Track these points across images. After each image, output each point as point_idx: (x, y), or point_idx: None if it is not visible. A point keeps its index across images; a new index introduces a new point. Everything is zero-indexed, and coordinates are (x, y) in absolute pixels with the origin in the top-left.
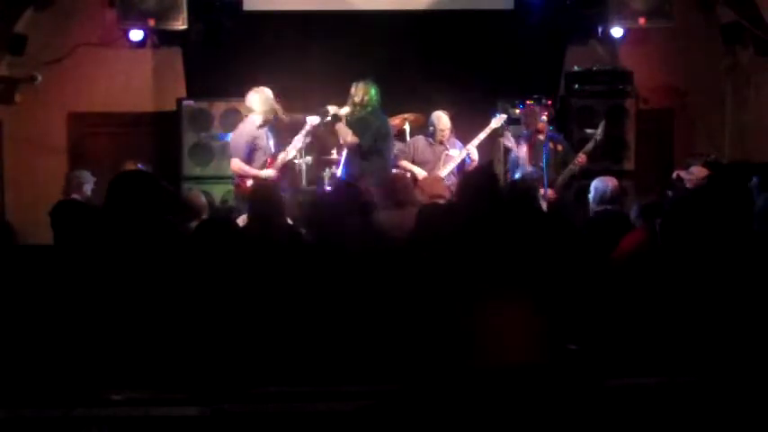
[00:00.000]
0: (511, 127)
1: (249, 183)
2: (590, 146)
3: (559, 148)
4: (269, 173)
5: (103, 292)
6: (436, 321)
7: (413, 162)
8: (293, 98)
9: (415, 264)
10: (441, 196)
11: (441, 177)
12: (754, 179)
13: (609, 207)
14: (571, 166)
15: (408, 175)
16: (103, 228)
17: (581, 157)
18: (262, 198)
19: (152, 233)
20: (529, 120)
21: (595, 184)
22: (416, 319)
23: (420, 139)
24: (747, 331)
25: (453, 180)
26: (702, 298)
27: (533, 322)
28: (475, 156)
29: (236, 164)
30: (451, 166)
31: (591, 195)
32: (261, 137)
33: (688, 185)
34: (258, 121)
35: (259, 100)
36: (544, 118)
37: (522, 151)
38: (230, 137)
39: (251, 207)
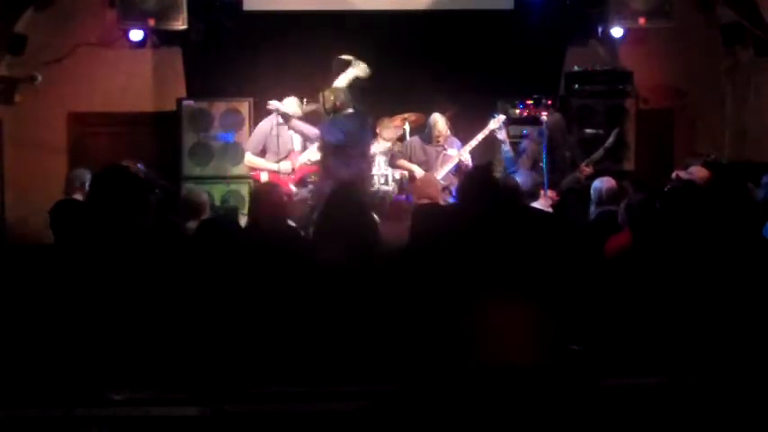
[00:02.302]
0: (512, 127)
1: (263, 176)
2: (599, 153)
3: (567, 153)
4: (285, 165)
5: (104, 291)
6: (436, 321)
7: (410, 162)
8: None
9: (416, 263)
10: (430, 197)
11: (432, 178)
12: (765, 177)
13: (609, 208)
14: (576, 174)
15: (407, 173)
16: (104, 227)
17: (584, 170)
18: (261, 198)
19: (154, 233)
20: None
21: (594, 185)
22: (416, 319)
23: (416, 140)
24: (746, 331)
25: (451, 180)
26: (700, 298)
27: (535, 322)
28: (468, 161)
29: (247, 157)
30: (449, 166)
31: (591, 196)
32: (274, 136)
33: None
34: (274, 120)
35: (292, 103)
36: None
37: (528, 150)
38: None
39: (251, 207)
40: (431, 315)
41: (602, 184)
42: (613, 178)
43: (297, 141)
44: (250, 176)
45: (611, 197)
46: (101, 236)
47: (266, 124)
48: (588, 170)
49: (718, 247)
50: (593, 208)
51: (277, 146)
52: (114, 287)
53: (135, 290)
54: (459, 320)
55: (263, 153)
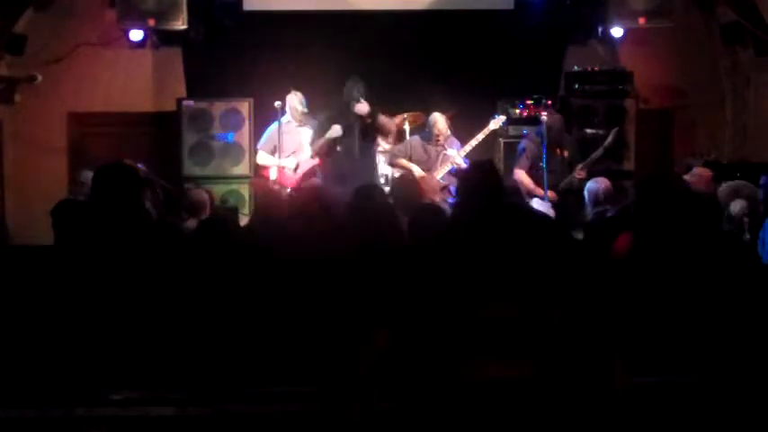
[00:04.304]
0: (512, 127)
1: (272, 173)
2: (598, 153)
3: (565, 153)
4: (290, 162)
5: (104, 291)
6: (438, 323)
7: (410, 161)
8: None
9: (416, 265)
10: (427, 198)
11: (430, 179)
12: (764, 178)
13: (606, 207)
14: (572, 179)
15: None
16: (103, 227)
17: (579, 174)
18: (263, 198)
19: (154, 232)
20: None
21: (588, 187)
22: (417, 320)
23: (416, 139)
24: (746, 332)
25: (450, 180)
26: (699, 298)
27: (537, 325)
28: (462, 165)
29: (259, 155)
30: (449, 166)
31: (586, 198)
32: (283, 134)
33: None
34: (284, 121)
35: (289, 101)
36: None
37: (527, 151)
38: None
39: (255, 207)
40: (433, 316)
41: (598, 184)
42: (611, 178)
43: (305, 139)
44: (259, 174)
45: (608, 197)
46: (104, 234)
47: (275, 124)
48: (583, 174)
49: (718, 246)
50: (589, 209)
51: (284, 144)
52: (115, 287)
53: (135, 290)
54: (459, 323)
55: (273, 151)
